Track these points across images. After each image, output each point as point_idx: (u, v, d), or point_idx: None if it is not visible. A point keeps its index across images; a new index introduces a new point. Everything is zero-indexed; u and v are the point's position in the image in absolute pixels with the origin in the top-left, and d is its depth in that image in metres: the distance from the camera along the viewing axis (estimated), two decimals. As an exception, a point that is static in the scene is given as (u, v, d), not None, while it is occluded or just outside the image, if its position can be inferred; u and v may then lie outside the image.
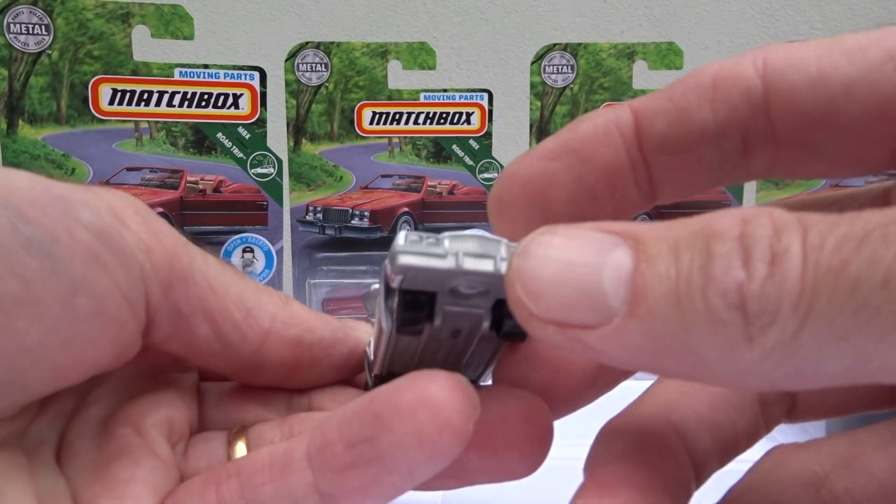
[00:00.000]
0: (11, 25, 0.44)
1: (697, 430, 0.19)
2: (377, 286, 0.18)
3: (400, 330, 0.17)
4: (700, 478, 0.19)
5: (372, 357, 0.21)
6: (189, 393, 0.23)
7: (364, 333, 0.23)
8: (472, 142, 0.51)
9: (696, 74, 0.18)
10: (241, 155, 0.49)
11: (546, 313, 0.14)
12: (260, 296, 0.21)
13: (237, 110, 0.48)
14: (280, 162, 0.49)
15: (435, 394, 0.17)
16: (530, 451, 0.19)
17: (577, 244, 0.15)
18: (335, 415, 0.18)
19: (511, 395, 0.19)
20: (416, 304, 0.16)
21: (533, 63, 0.51)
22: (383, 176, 0.52)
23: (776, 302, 0.13)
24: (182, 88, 0.47)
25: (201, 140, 0.48)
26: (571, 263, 0.14)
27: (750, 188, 0.53)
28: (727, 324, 0.13)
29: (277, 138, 0.50)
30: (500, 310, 0.17)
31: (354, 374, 0.24)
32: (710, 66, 0.18)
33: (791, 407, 0.21)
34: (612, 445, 0.18)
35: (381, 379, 0.20)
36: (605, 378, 0.20)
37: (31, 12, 0.44)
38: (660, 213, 0.53)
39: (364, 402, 0.18)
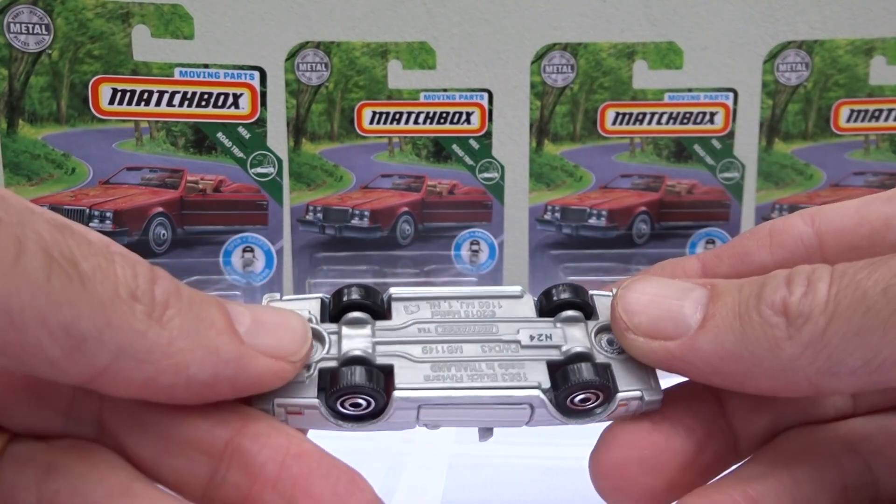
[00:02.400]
0: (11, 25, 0.44)
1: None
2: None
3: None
4: None
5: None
6: None
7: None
8: (472, 141, 0.51)
9: (752, 230, 0.23)
10: (241, 155, 0.49)
11: (639, 327, 0.20)
12: (116, 314, 0.15)
13: (237, 110, 0.48)
14: (280, 162, 0.49)
15: None
16: None
17: (667, 284, 0.20)
18: None
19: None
20: None
21: (533, 63, 0.51)
22: (383, 176, 0.52)
23: (810, 308, 0.17)
24: (182, 88, 0.47)
25: (201, 140, 0.48)
26: (662, 296, 0.20)
27: (750, 188, 0.53)
28: (773, 326, 0.18)
29: (277, 138, 0.50)
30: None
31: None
32: (763, 224, 0.23)
33: (875, 495, 0.21)
34: None
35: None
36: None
37: (31, 12, 0.44)
38: (660, 214, 0.53)
39: None
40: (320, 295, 0.21)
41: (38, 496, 0.17)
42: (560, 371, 0.20)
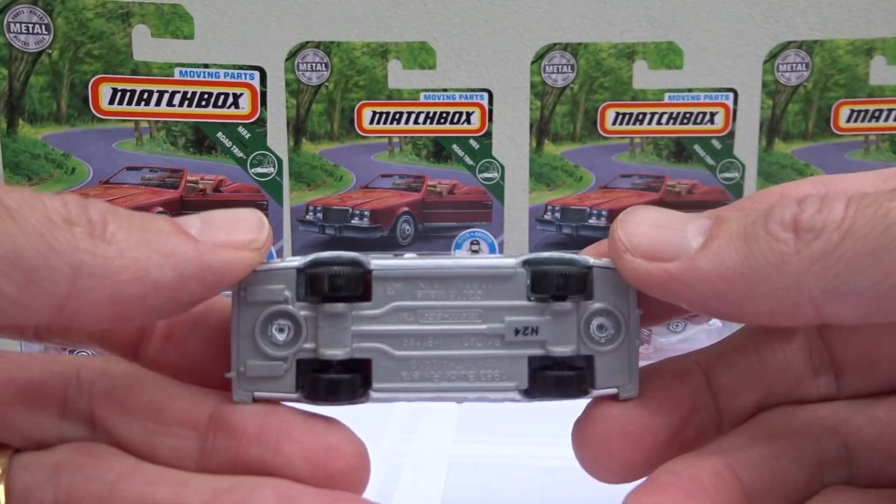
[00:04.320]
0: (11, 25, 0.44)
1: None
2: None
3: None
4: None
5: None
6: None
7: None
8: (472, 141, 0.51)
9: (761, 192, 0.22)
10: (241, 154, 0.49)
11: (637, 249, 0.19)
12: (56, 238, 0.16)
13: (237, 110, 0.48)
14: (280, 161, 0.49)
15: None
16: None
17: (670, 212, 0.19)
18: None
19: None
20: None
21: (533, 63, 0.51)
22: (383, 175, 0.52)
23: (823, 223, 0.17)
24: (182, 88, 0.47)
25: (201, 139, 0.48)
26: (664, 220, 0.19)
27: (750, 188, 0.53)
28: (781, 241, 0.17)
29: (277, 138, 0.50)
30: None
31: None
32: (773, 187, 0.22)
33: (850, 475, 0.21)
34: None
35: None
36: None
37: (31, 12, 0.44)
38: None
39: None
40: (295, 264, 0.20)
41: (54, 492, 0.18)
42: (539, 374, 0.20)
